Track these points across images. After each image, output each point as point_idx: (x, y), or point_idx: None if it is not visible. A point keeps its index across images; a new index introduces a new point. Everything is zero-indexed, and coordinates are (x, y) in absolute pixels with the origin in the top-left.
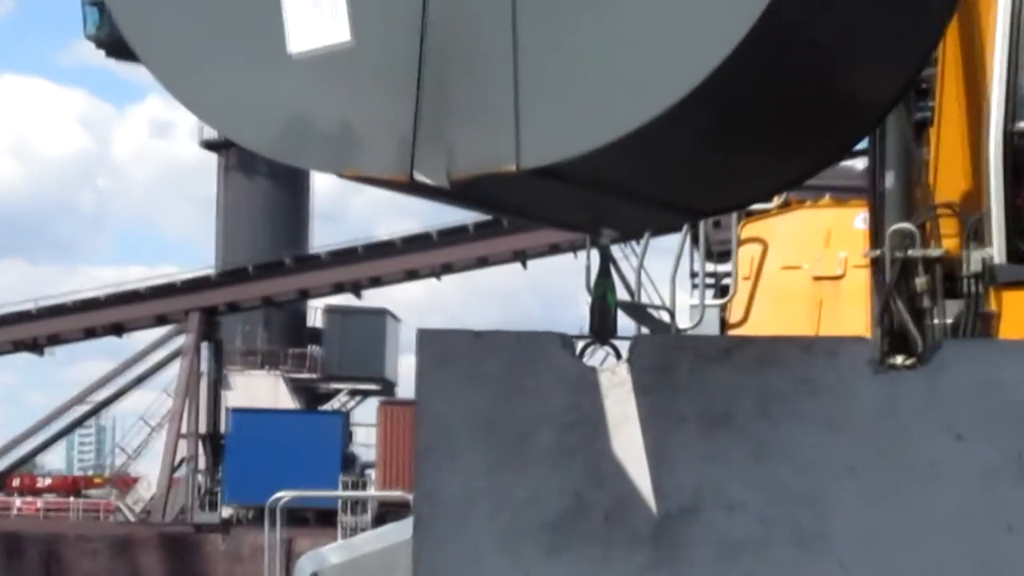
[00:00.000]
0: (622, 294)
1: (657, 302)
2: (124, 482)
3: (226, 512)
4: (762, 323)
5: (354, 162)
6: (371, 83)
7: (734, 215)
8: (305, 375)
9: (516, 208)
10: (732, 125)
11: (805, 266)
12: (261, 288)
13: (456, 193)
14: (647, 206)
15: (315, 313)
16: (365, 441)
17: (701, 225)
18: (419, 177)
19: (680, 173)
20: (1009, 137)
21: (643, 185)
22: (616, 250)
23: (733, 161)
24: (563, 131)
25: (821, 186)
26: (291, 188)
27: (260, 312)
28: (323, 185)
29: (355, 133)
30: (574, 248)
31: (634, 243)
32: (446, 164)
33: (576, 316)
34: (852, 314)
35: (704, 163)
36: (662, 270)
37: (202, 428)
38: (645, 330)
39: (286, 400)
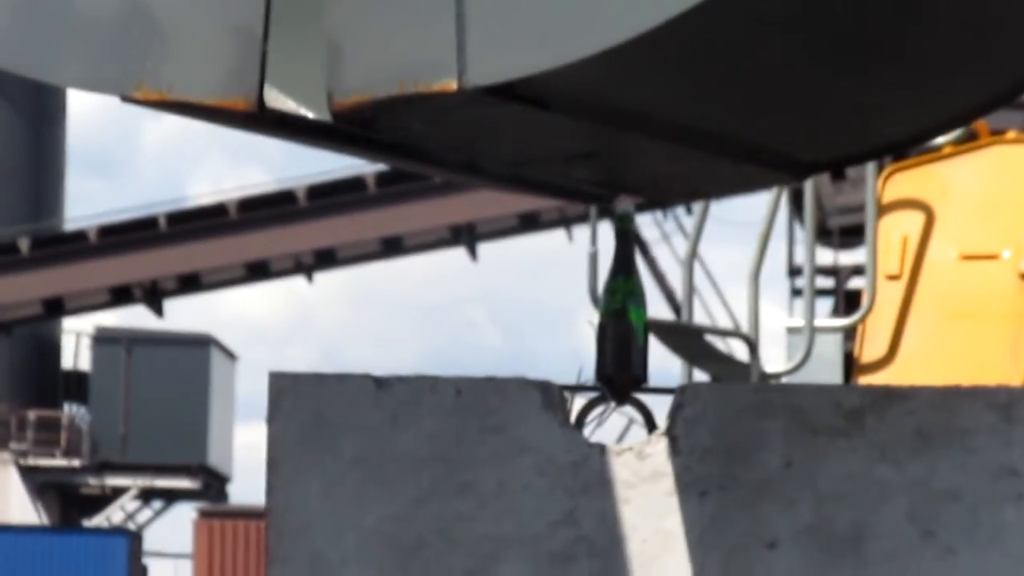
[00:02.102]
0: (656, 308)
1: (724, 322)
2: None
3: None
4: (924, 360)
5: (152, 75)
6: None
7: (870, 165)
8: (59, 462)
9: (454, 159)
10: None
11: (1006, 254)
12: None
13: (345, 133)
14: (704, 153)
15: (76, 343)
16: None
17: (808, 183)
18: (277, 104)
19: (768, 96)
20: None
21: (697, 117)
22: (649, 226)
23: (875, 71)
24: (548, 19)
25: None
26: (30, 115)
27: None
28: (88, 109)
29: (150, 21)
30: (566, 221)
31: (679, 211)
32: (327, 81)
33: (569, 349)
34: None
35: (815, 78)
36: (734, 262)
37: None
38: (700, 375)
39: (23, 506)
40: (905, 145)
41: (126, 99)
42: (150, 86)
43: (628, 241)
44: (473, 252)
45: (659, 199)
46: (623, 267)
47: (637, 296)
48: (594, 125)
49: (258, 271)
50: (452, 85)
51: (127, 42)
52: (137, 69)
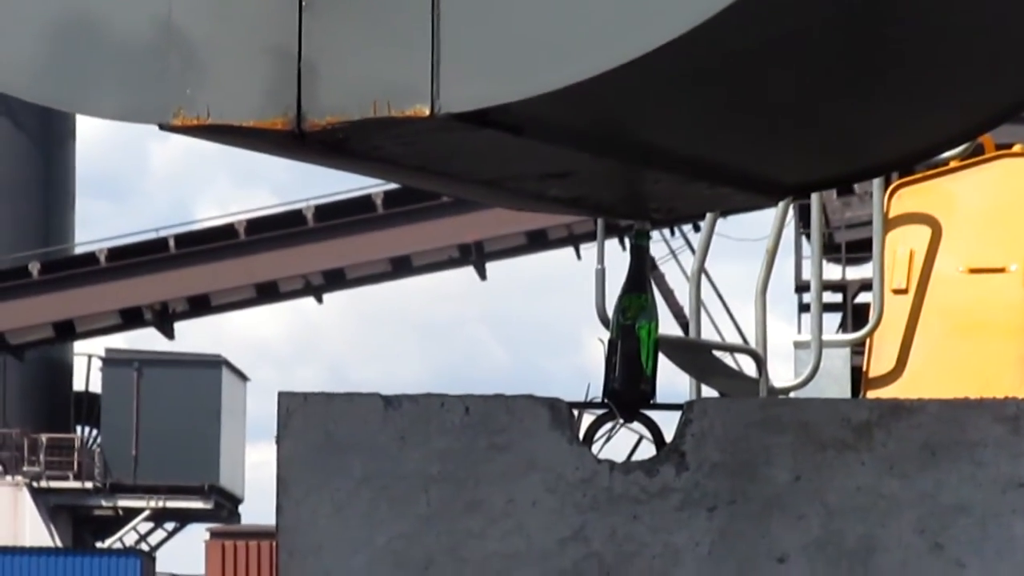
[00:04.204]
0: (664, 324)
1: (731, 338)
2: None
3: None
4: (932, 374)
5: (189, 101)
6: None
7: (876, 180)
8: (71, 484)
9: (439, 177)
10: (872, 17)
11: (1013, 267)
12: None
13: (335, 151)
14: (679, 176)
15: (87, 366)
16: None
17: (815, 198)
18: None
19: (749, 121)
20: None
21: (671, 142)
22: (657, 242)
23: (869, 94)
24: (523, 48)
25: None
26: (39, 138)
27: None
28: (96, 132)
29: (186, 47)
30: (574, 238)
31: (687, 228)
32: (303, 102)
33: (576, 366)
34: None
35: (805, 102)
36: (741, 278)
37: None
38: (709, 391)
39: (37, 528)
40: (905, 164)
41: (164, 127)
42: (188, 112)
43: (643, 258)
44: (482, 271)
45: (633, 217)
46: (636, 283)
47: (649, 312)
48: (567, 149)
49: (267, 292)
50: (424, 110)
51: (164, 69)
52: (175, 96)
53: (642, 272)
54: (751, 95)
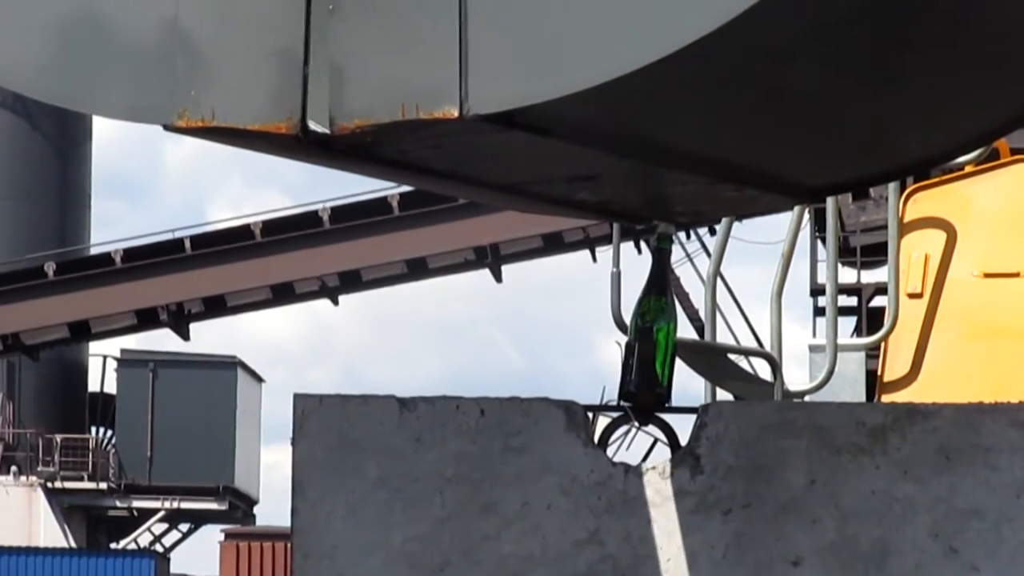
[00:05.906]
0: (680, 327)
1: (746, 341)
2: None
3: None
4: (945, 378)
5: (194, 102)
6: None
7: (891, 184)
8: (86, 485)
9: (462, 181)
10: (894, 19)
11: None
12: (0, 319)
13: (359, 154)
14: (706, 177)
15: (102, 366)
16: None
17: (830, 202)
18: (320, 127)
19: (771, 123)
20: None
21: (697, 143)
22: (672, 246)
23: (891, 92)
24: (550, 49)
25: None
26: (54, 137)
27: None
28: (110, 131)
29: (192, 49)
30: (589, 241)
31: (703, 231)
32: (330, 104)
33: (590, 369)
34: None
35: (830, 102)
36: (756, 281)
37: None
38: (723, 395)
39: (51, 529)
40: (923, 167)
41: (169, 128)
42: (193, 114)
43: (664, 260)
44: (497, 273)
45: (660, 219)
46: (656, 286)
47: (667, 314)
48: (594, 151)
49: (283, 293)
50: (453, 112)
51: (169, 71)
52: (180, 97)
53: (663, 275)
54: (776, 94)
